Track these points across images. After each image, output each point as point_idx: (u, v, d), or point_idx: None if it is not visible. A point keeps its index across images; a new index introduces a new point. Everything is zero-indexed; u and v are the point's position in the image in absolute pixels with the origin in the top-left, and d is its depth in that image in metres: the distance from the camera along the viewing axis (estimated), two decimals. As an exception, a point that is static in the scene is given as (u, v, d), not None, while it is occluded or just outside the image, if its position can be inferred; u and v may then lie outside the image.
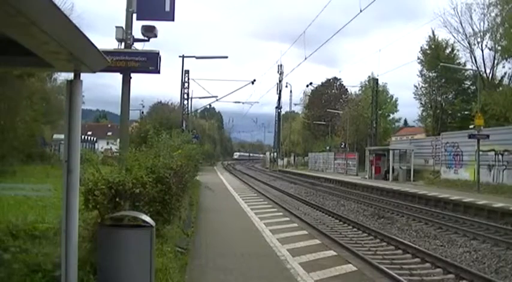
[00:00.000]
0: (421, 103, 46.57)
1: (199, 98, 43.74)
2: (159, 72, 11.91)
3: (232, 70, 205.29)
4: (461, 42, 40.38)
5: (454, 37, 40.63)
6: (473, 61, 39.45)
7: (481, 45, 39.11)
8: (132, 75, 12.14)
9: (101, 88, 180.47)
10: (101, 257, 4.59)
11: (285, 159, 71.77)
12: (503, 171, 24.18)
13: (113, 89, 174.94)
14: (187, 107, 38.89)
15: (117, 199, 5.05)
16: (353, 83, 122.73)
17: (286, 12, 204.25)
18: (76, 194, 4.10)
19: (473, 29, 38.98)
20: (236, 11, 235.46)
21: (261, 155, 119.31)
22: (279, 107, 66.60)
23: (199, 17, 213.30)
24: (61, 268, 4.08)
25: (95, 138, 57.18)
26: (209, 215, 13.11)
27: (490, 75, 39.40)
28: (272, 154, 69.94)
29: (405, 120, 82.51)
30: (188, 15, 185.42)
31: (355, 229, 14.16)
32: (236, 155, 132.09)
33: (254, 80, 35.68)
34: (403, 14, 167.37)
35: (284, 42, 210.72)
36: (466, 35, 39.31)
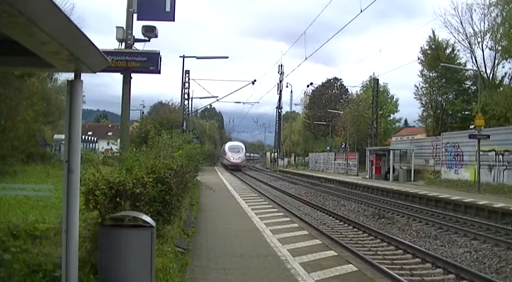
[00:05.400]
0: (421, 103, 46.61)
1: (200, 98, 43.51)
2: (159, 72, 11.95)
3: (231, 69, 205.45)
4: (462, 42, 40.45)
5: (455, 37, 40.69)
6: (474, 61, 39.53)
7: (482, 45, 39.19)
8: (133, 75, 12.17)
9: (98, 88, 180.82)
10: (102, 257, 4.59)
11: (286, 160, 71.76)
12: (503, 172, 24.17)
13: (111, 89, 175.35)
14: (188, 107, 38.92)
15: (117, 199, 5.06)
16: (353, 83, 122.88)
17: (283, 10, 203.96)
18: (76, 194, 4.10)
19: (473, 29, 39.07)
20: (232, 9, 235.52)
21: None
22: (279, 107, 66.62)
23: (196, 15, 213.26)
24: (61, 268, 4.08)
25: (95, 138, 57.17)
26: (210, 215, 13.11)
27: (491, 75, 39.42)
28: (272, 154, 69.92)
29: (405, 121, 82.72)
30: (186, 15, 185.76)
31: (355, 229, 14.15)
32: (231, 155, 58.23)
33: (254, 80, 35.69)
34: (401, 11, 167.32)
35: (281, 41, 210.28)
36: (466, 35, 39.38)
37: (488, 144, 24.34)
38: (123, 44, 11.88)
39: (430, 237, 12.95)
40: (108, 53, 9.92)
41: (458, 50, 42.26)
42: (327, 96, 71.53)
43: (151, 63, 11.84)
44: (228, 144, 65.63)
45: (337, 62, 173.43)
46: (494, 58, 38.60)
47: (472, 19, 38.45)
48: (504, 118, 32.22)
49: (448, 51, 43.01)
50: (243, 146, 64.86)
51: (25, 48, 3.18)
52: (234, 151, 59.89)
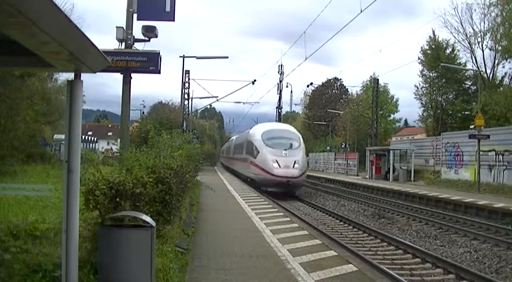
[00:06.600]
0: (421, 103, 46.62)
1: (200, 98, 43.40)
2: (159, 72, 11.95)
3: (231, 69, 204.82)
4: (462, 42, 40.44)
5: (455, 37, 40.69)
6: (474, 61, 39.51)
7: (482, 45, 39.19)
8: (133, 75, 12.18)
9: (98, 88, 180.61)
10: (102, 257, 4.59)
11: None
12: (503, 172, 24.17)
13: (111, 89, 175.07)
14: (188, 107, 38.91)
15: (117, 199, 5.06)
16: (353, 83, 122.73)
17: (282, 10, 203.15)
18: (76, 194, 4.10)
19: (473, 29, 39.06)
20: (232, 9, 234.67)
21: None
22: (279, 107, 66.45)
23: (196, 15, 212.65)
24: (61, 268, 4.08)
25: (95, 138, 57.25)
26: (210, 215, 13.10)
27: (491, 75, 39.41)
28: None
29: (405, 121, 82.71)
30: (186, 15, 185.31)
31: (355, 229, 14.16)
32: (274, 158, 23.03)
33: (254, 80, 35.57)
34: (401, 11, 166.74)
35: (281, 41, 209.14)
36: (466, 35, 39.38)
37: (488, 144, 24.33)
38: (123, 44, 11.88)
39: (430, 237, 12.95)
40: (108, 53, 9.92)
41: (458, 50, 42.33)
42: (327, 96, 71.52)
43: (151, 63, 11.84)
44: (261, 129, 27.24)
45: (337, 62, 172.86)
46: (494, 58, 38.64)
47: (472, 19, 38.50)
48: (504, 118, 32.19)
49: (448, 51, 43.02)
50: (298, 134, 27.71)
51: (25, 48, 3.18)
52: (280, 146, 24.55)
